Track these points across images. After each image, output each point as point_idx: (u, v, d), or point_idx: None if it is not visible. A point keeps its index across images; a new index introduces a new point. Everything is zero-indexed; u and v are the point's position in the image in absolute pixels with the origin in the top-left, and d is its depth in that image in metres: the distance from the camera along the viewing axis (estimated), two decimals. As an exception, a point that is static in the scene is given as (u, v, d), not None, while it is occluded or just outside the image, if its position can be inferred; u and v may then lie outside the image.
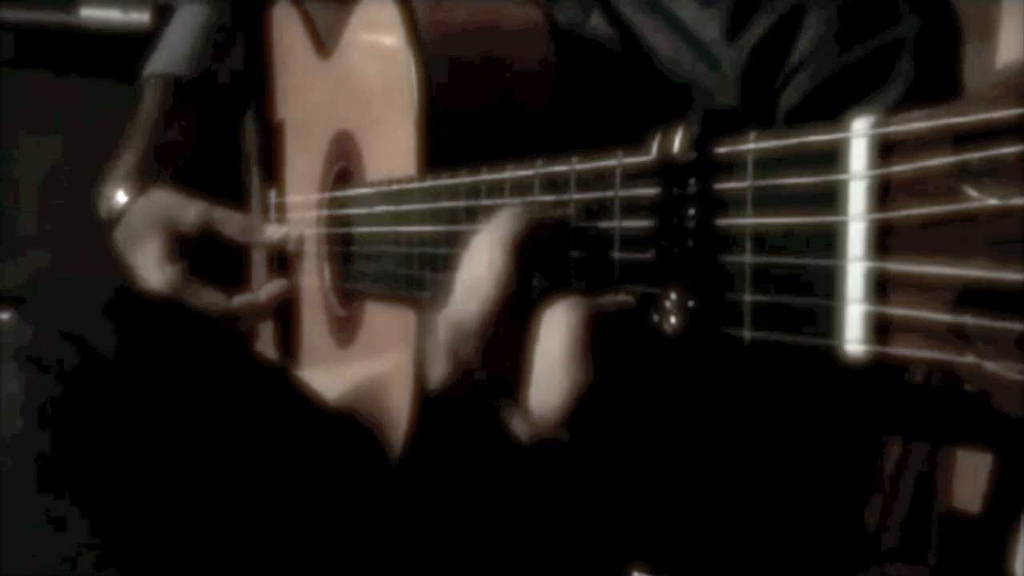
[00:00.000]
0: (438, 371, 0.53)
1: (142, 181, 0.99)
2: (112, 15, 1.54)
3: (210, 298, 0.94)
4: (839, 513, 0.87)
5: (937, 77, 0.76)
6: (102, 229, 0.99)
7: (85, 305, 0.87)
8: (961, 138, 0.32)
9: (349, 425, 0.87)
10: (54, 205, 1.55)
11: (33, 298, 0.85)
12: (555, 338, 0.46)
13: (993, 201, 0.30)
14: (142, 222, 0.96)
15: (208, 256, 0.97)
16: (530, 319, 0.48)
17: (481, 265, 0.50)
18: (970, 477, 1.11)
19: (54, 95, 1.57)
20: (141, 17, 1.54)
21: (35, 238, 1.55)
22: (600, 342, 0.46)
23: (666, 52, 0.81)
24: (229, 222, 0.97)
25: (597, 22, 0.84)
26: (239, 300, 0.96)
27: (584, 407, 0.46)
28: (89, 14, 1.55)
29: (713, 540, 0.77)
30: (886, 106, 0.74)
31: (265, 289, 1.00)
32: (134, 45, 1.08)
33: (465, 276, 0.51)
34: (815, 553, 0.83)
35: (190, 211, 0.96)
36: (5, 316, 0.85)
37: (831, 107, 0.74)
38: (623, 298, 0.46)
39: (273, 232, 1.00)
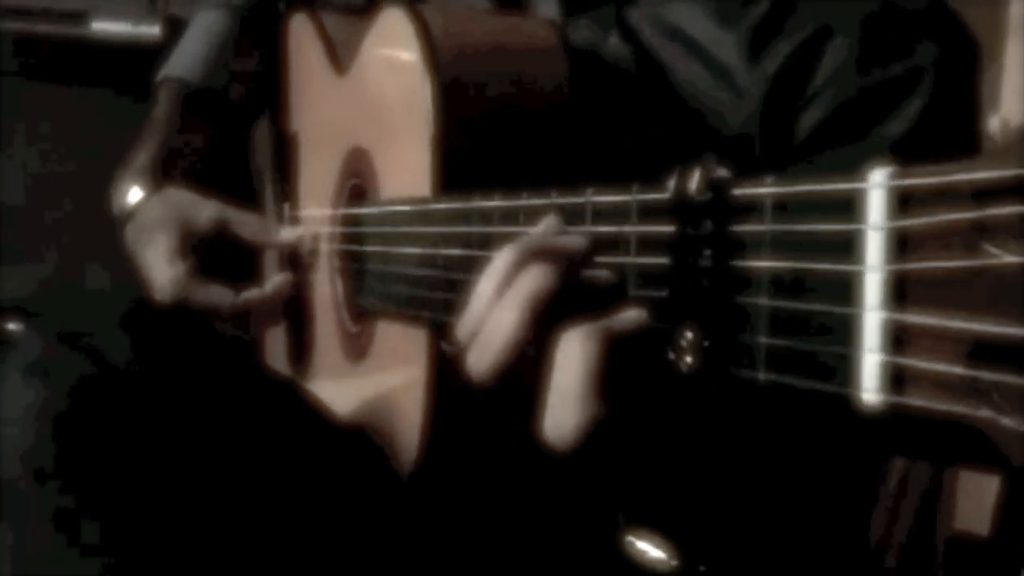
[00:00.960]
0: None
1: (156, 179, 1.00)
2: (123, 28, 1.55)
3: (217, 294, 0.94)
4: (842, 530, 0.87)
5: (953, 101, 0.76)
6: (110, 240, 0.99)
7: (94, 315, 0.87)
8: (980, 194, 0.32)
9: (360, 440, 0.87)
10: (62, 215, 1.56)
11: (41, 309, 0.86)
12: (571, 370, 0.46)
13: (1012, 259, 0.30)
14: (155, 218, 0.97)
15: (219, 258, 0.97)
16: (548, 342, 0.48)
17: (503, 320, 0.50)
18: (974, 497, 1.11)
19: (65, 107, 1.57)
20: (151, 30, 1.54)
21: (42, 248, 1.55)
22: (615, 373, 0.46)
23: (683, 75, 0.81)
24: (245, 223, 0.98)
25: (615, 43, 0.84)
26: (246, 295, 0.97)
27: (597, 435, 0.46)
28: (100, 27, 1.56)
29: (718, 556, 0.77)
30: (902, 130, 0.74)
31: (272, 283, 1.00)
32: (145, 58, 1.08)
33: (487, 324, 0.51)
34: (818, 569, 0.83)
35: (206, 210, 0.96)
36: (13, 327, 0.85)
37: (848, 131, 0.74)
38: (636, 316, 0.47)
39: (289, 234, 1.00)
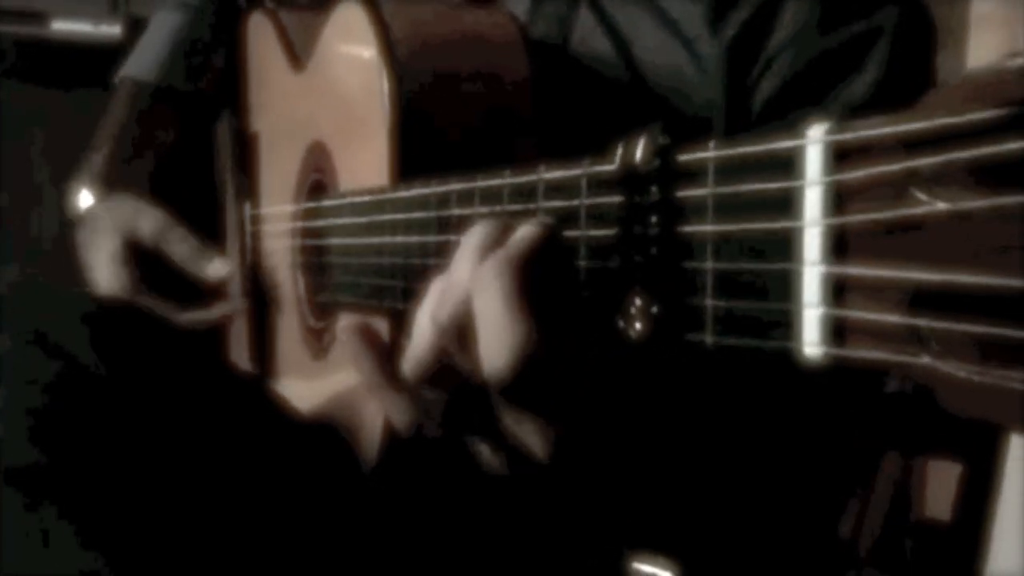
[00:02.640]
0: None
1: (108, 184, 0.99)
2: (83, 27, 1.54)
3: (160, 310, 0.94)
4: (815, 519, 0.88)
5: (911, 68, 0.77)
6: (71, 240, 0.99)
7: (62, 315, 0.87)
8: (913, 144, 0.33)
9: (324, 434, 0.87)
10: (24, 214, 1.55)
11: (9, 309, 0.85)
12: (491, 298, 0.46)
13: (942, 205, 0.31)
14: (103, 226, 0.96)
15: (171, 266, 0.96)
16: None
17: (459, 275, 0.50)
18: (941, 487, 1.12)
19: (25, 106, 1.56)
20: (112, 30, 1.54)
21: (4, 248, 1.54)
22: (533, 282, 0.46)
23: (649, 46, 0.81)
24: (179, 245, 0.95)
25: (584, 16, 0.84)
26: (188, 317, 0.96)
27: (534, 360, 0.46)
28: (60, 27, 1.55)
29: (689, 545, 0.77)
30: (860, 94, 0.75)
31: (218, 307, 0.99)
32: (106, 57, 1.08)
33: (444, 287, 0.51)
34: (791, 558, 0.84)
35: (148, 221, 0.95)
36: None
37: (808, 95, 0.75)
38: (534, 227, 0.47)
39: (216, 269, 0.96)
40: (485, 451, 0.57)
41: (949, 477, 1.05)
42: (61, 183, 1.02)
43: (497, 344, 0.46)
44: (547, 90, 0.78)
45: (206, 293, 1.03)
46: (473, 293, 0.47)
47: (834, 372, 0.35)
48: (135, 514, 0.76)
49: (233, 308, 1.01)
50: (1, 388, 0.77)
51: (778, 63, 0.76)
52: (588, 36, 0.83)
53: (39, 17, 1.55)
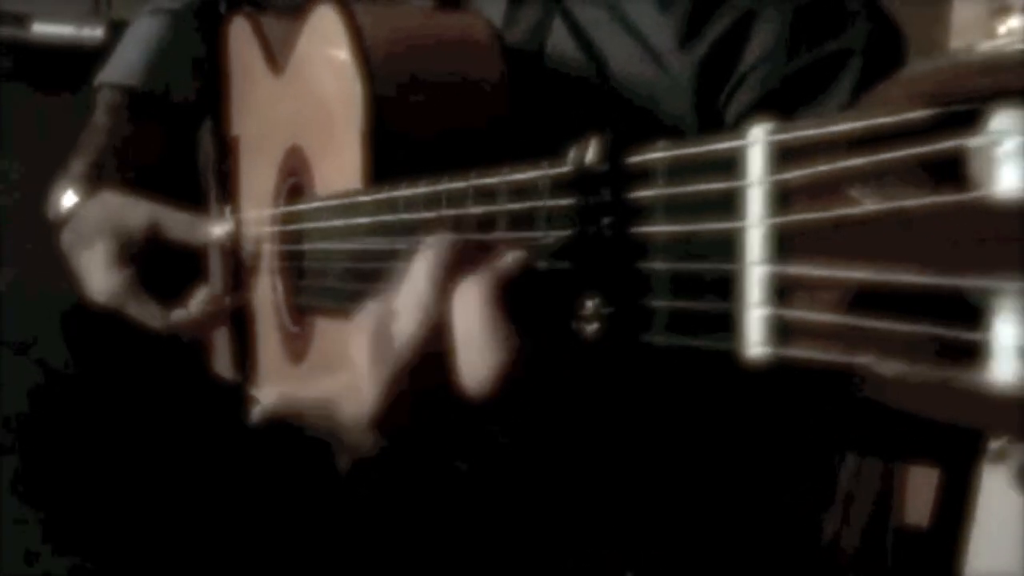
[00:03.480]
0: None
1: (92, 184, 0.98)
2: (65, 30, 1.54)
3: (148, 311, 0.93)
4: (796, 525, 0.88)
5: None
6: (52, 243, 0.98)
7: (40, 321, 0.87)
8: (854, 144, 0.33)
9: (301, 437, 0.87)
10: (4, 219, 1.54)
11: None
12: (472, 318, 0.46)
13: (878, 204, 0.31)
14: (90, 224, 0.95)
15: (160, 264, 0.96)
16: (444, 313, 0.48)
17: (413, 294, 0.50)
18: (921, 493, 1.12)
19: (6, 109, 1.56)
20: (94, 32, 1.54)
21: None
22: (515, 308, 0.46)
23: (620, 57, 0.82)
24: (175, 223, 0.95)
25: (557, 27, 0.85)
26: (176, 315, 0.95)
27: (514, 372, 0.46)
28: (42, 29, 1.55)
29: (671, 550, 0.77)
30: (832, 111, 0.75)
31: (197, 305, 0.97)
32: (88, 60, 1.08)
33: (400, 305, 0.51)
34: (772, 564, 0.84)
35: (138, 212, 0.94)
36: None
37: (780, 112, 0.75)
38: (517, 254, 0.47)
39: (219, 230, 0.97)
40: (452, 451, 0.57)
41: (929, 483, 1.05)
42: (40, 186, 1.01)
43: (479, 359, 0.46)
44: (521, 95, 0.78)
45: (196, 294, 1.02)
46: (451, 308, 0.48)
47: (783, 372, 0.35)
48: (114, 517, 0.76)
49: (216, 304, 1.00)
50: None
51: (750, 82, 0.77)
52: (561, 45, 0.83)
53: (20, 19, 1.55)
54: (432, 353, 0.48)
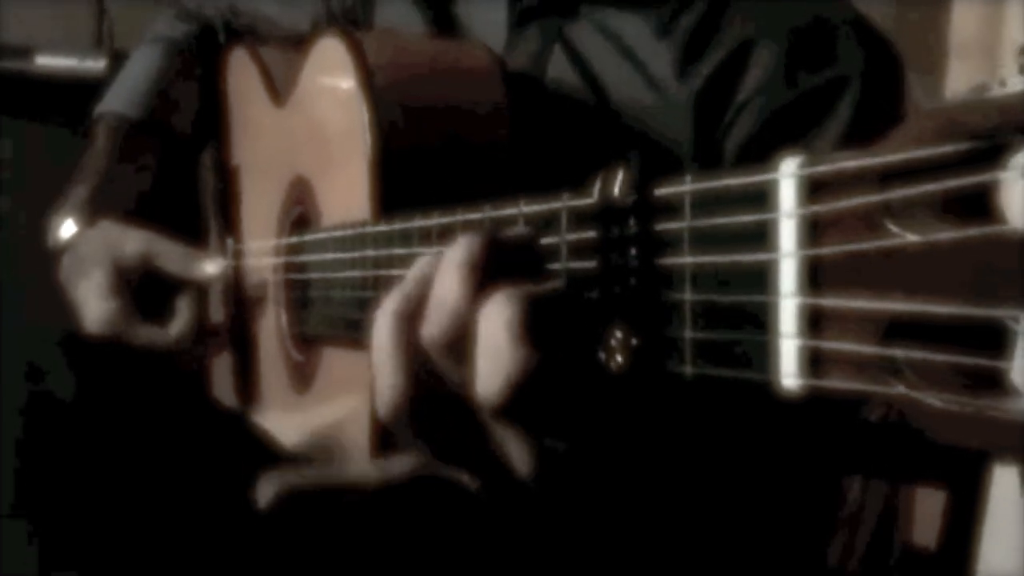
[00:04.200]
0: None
1: (91, 213, 0.98)
2: (67, 63, 1.54)
3: (149, 334, 0.92)
4: (801, 549, 0.88)
5: (882, 109, 0.78)
6: (51, 272, 0.98)
7: (40, 348, 0.86)
8: (885, 177, 0.33)
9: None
10: (7, 248, 1.54)
11: None
12: (496, 328, 0.46)
13: (913, 237, 0.31)
14: (87, 254, 0.94)
15: (156, 292, 0.95)
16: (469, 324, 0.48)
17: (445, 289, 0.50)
18: (928, 514, 1.12)
19: (9, 141, 1.56)
20: (97, 64, 1.54)
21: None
22: (539, 324, 0.46)
23: (621, 86, 0.82)
24: (168, 255, 0.94)
25: (557, 54, 0.85)
26: (176, 333, 0.94)
27: (528, 389, 0.46)
28: (44, 62, 1.55)
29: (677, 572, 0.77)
30: (833, 137, 0.76)
31: (179, 321, 0.96)
32: (91, 92, 1.08)
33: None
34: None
35: (134, 243, 0.93)
36: None
37: (780, 139, 0.76)
38: (554, 283, 0.47)
39: (212, 267, 0.95)
40: (467, 472, 0.57)
41: (936, 503, 1.05)
42: (39, 215, 1.01)
43: (496, 369, 0.47)
44: (523, 121, 0.79)
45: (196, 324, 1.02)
46: (478, 317, 0.48)
47: (812, 403, 0.36)
48: (110, 546, 0.76)
49: (219, 339, 1.00)
50: None
51: (748, 112, 0.78)
52: (562, 72, 0.84)
53: (23, 52, 1.55)
54: (452, 353, 0.49)
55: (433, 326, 0.49)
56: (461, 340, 0.48)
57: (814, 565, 0.96)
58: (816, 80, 0.78)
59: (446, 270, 0.49)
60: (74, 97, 1.14)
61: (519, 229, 0.51)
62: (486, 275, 0.48)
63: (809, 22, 0.80)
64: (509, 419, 0.48)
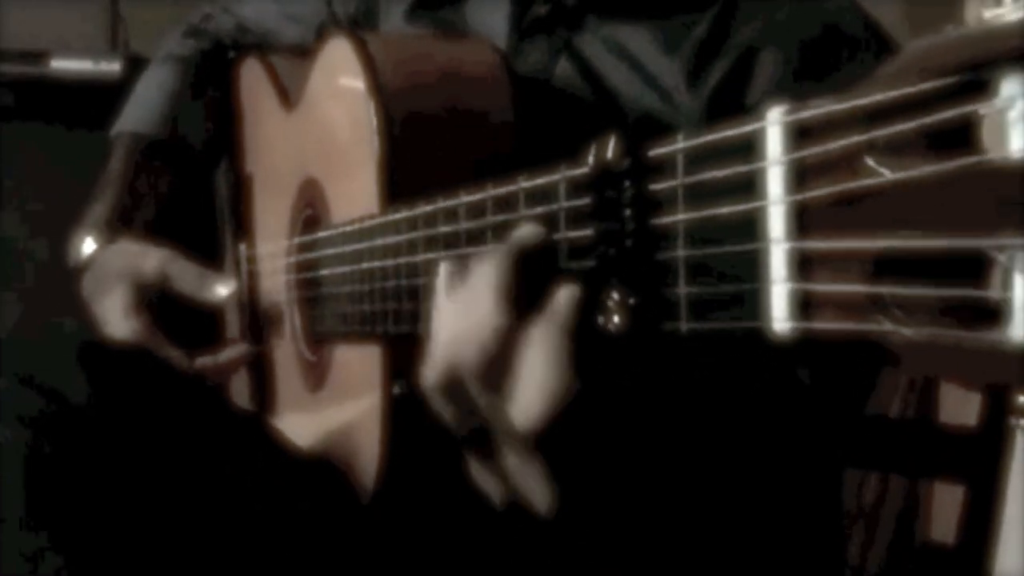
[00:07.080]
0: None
1: (111, 231, 1.00)
2: (83, 66, 1.56)
3: (171, 356, 0.94)
4: (818, 546, 0.88)
5: None
6: (71, 281, 1.00)
7: (57, 355, 0.87)
8: (873, 118, 0.34)
9: (320, 469, 0.87)
10: (26, 253, 1.55)
11: (4, 349, 0.86)
12: (540, 358, 0.48)
13: (893, 174, 0.32)
14: (108, 272, 0.97)
15: (178, 308, 0.97)
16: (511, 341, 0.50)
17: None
18: (947, 511, 1.12)
19: (27, 146, 1.57)
20: (112, 67, 1.55)
21: (2, 288, 1.54)
22: (522, 281, 0.48)
23: (630, 95, 0.83)
24: (183, 275, 0.96)
25: (563, 65, 0.86)
26: (200, 362, 0.96)
27: (567, 408, 0.47)
28: (60, 65, 1.57)
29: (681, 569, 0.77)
30: None
31: (226, 353, 1.00)
32: (106, 95, 1.09)
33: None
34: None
35: (152, 261, 0.96)
36: None
37: None
38: (574, 289, 0.49)
39: (223, 289, 0.97)
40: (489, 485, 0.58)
41: (954, 500, 1.05)
42: (57, 225, 1.03)
43: (537, 394, 0.48)
44: (529, 120, 0.80)
45: (215, 337, 1.04)
46: (522, 346, 0.49)
47: (804, 347, 0.36)
48: (129, 550, 0.76)
49: (242, 353, 1.02)
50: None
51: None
52: (569, 79, 0.85)
53: (39, 56, 1.57)
54: (493, 371, 0.50)
55: (472, 352, 0.51)
56: (501, 359, 0.50)
57: (831, 560, 0.95)
58: (825, 85, 0.78)
59: (483, 295, 0.51)
60: (90, 99, 1.15)
61: (533, 229, 0.52)
62: (521, 299, 0.50)
63: (816, 28, 0.81)
64: (539, 442, 0.49)
